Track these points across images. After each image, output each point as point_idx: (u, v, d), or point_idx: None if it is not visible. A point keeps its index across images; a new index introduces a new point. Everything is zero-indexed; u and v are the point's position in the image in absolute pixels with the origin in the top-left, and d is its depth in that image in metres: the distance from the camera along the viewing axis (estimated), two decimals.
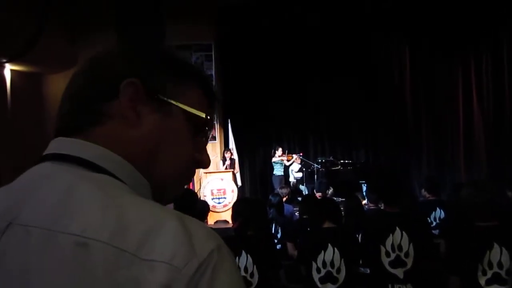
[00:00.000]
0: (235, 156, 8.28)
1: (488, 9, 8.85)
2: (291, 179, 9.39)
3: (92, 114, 0.57)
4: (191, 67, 0.65)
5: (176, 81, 0.61)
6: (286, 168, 9.22)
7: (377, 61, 10.16)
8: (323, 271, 2.63)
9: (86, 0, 7.97)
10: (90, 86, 0.59)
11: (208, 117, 0.63)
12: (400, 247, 2.52)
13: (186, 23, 8.13)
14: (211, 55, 8.36)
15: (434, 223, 4.38)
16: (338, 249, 2.61)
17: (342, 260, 2.60)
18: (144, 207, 0.49)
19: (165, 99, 0.59)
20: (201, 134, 0.63)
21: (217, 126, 8.44)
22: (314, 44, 9.92)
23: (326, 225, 2.77)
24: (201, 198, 7.30)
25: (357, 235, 2.99)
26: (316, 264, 2.64)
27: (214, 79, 8.40)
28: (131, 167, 0.56)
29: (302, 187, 9.20)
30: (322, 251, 2.63)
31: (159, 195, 0.60)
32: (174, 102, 0.59)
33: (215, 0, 8.08)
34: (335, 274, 2.61)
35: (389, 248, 2.54)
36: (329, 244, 2.63)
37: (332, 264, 2.61)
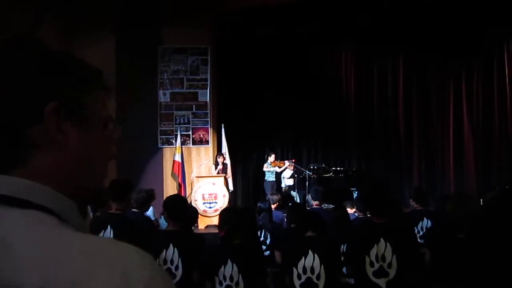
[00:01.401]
0: (228, 161, 8.30)
1: (480, 24, 9.01)
2: (283, 185, 9.42)
3: (15, 141, 0.54)
4: (91, 68, 0.64)
5: (87, 90, 0.61)
6: (278, 174, 9.25)
7: (371, 72, 10.28)
8: (303, 277, 2.66)
9: (83, 2, 7.97)
10: (8, 110, 0.54)
11: (114, 117, 0.64)
12: (383, 258, 2.57)
13: (183, 26, 8.17)
14: (207, 59, 8.39)
15: (421, 233, 4.44)
16: (318, 256, 2.65)
17: (322, 266, 2.64)
18: (72, 251, 0.47)
19: (85, 113, 0.59)
20: (111, 130, 0.65)
21: (210, 130, 8.47)
22: (309, 51, 10.01)
23: (309, 234, 2.82)
24: (193, 202, 7.31)
25: (342, 245, 3.03)
26: (297, 270, 2.68)
27: (209, 84, 8.44)
28: (57, 195, 0.54)
29: (293, 193, 9.23)
30: (303, 257, 2.67)
31: (91, 199, 0.62)
32: (91, 114, 0.60)
33: (212, 4, 8.12)
34: (315, 280, 2.65)
35: (373, 258, 2.58)
36: (310, 250, 2.67)
37: (312, 270, 2.65)
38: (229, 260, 2.64)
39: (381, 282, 2.57)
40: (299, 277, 2.69)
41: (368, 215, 4.33)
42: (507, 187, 6.72)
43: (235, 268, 2.63)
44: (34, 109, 0.54)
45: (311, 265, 2.66)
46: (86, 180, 0.59)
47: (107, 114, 0.64)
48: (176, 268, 2.85)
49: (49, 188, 0.54)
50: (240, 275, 2.62)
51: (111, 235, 3.16)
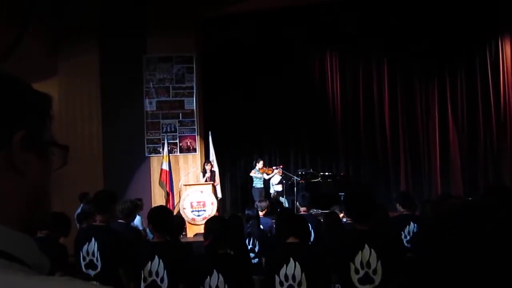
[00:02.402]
0: (216, 168, 8.29)
1: (462, 26, 9.18)
2: (271, 191, 9.42)
3: None
4: (43, 95, 0.64)
5: (44, 118, 0.61)
6: (266, 181, 9.25)
7: (357, 76, 10.39)
8: (285, 285, 2.66)
9: (68, 12, 7.93)
10: None
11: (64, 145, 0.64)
12: (368, 264, 2.58)
13: (168, 35, 8.18)
14: (193, 67, 8.39)
15: (408, 237, 4.48)
16: (299, 263, 2.65)
17: (303, 274, 2.63)
18: None
19: (44, 142, 0.60)
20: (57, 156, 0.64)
21: (197, 138, 8.45)
22: (295, 56, 10.10)
23: (290, 240, 2.81)
24: (181, 211, 7.28)
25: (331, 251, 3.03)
26: (279, 277, 2.67)
27: (195, 91, 8.44)
28: (8, 232, 0.52)
29: (282, 199, 9.24)
30: (285, 265, 2.66)
31: (38, 226, 0.61)
32: (46, 142, 0.60)
33: (197, 11, 8.14)
34: (296, 287, 2.65)
35: (358, 265, 2.59)
36: (291, 258, 2.66)
37: (293, 278, 2.64)
38: (214, 270, 2.62)
39: None
40: (281, 284, 2.69)
41: None
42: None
43: (221, 278, 2.61)
44: (2, 137, 0.54)
45: (292, 272, 2.65)
46: (39, 207, 0.59)
47: (55, 140, 0.63)
48: (162, 280, 2.83)
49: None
50: (226, 286, 2.60)
51: (95, 248, 3.13)
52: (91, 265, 3.13)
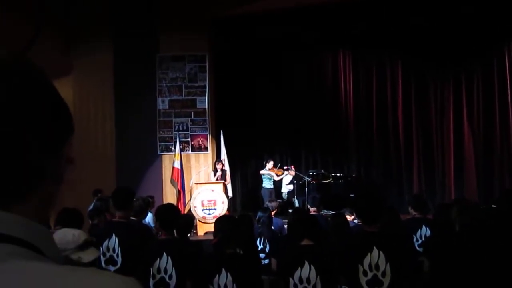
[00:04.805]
0: (227, 168, 8.30)
1: (479, 27, 8.99)
2: (283, 190, 9.40)
3: (29, 171, 0.53)
4: (71, 118, 0.64)
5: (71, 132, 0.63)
6: (276, 181, 9.21)
7: (370, 77, 10.28)
8: (299, 287, 2.65)
9: (82, 11, 8.03)
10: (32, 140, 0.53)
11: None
12: (377, 267, 2.55)
13: (181, 33, 8.23)
14: (205, 66, 8.43)
15: (420, 241, 4.41)
16: (314, 267, 2.64)
17: (318, 277, 2.62)
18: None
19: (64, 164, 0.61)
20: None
21: (209, 137, 8.48)
22: (308, 56, 10.05)
23: (305, 242, 2.80)
24: (192, 209, 7.31)
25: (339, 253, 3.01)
26: (294, 280, 2.67)
27: (207, 90, 8.47)
28: (30, 222, 0.53)
29: (294, 199, 9.21)
30: (299, 268, 2.65)
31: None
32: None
33: (210, 11, 8.17)
34: None
35: (366, 267, 2.56)
36: (306, 261, 2.66)
37: (308, 280, 2.63)
38: (223, 269, 2.63)
39: None
40: (295, 286, 2.68)
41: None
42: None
43: (229, 277, 2.61)
44: (54, 143, 0.56)
45: (307, 276, 2.65)
46: (49, 209, 0.60)
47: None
48: (170, 277, 2.84)
49: (20, 216, 0.52)
50: (234, 285, 2.60)
51: (116, 244, 3.15)
52: (111, 260, 3.16)
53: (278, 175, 9.05)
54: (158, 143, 8.43)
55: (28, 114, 0.52)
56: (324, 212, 6.95)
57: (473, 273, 2.64)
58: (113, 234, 3.17)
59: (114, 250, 3.14)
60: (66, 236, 0.98)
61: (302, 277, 2.65)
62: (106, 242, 3.16)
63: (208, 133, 8.46)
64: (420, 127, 10.10)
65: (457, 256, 2.80)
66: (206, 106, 8.43)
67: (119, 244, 3.14)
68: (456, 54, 9.59)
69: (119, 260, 3.14)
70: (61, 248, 0.91)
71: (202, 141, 8.44)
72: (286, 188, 9.38)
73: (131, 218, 3.97)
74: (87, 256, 0.96)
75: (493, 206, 4.82)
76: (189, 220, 3.75)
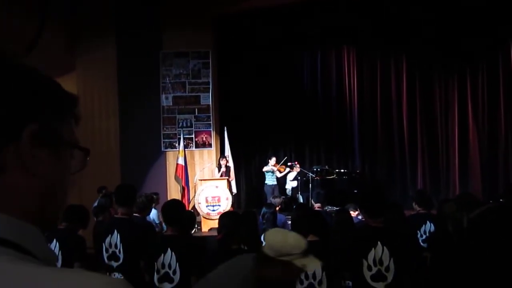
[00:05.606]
0: (231, 164, 8.31)
1: (484, 21, 8.93)
2: (287, 186, 9.40)
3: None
4: (68, 94, 0.62)
5: (64, 116, 0.59)
6: (280, 177, 9.21)
7: (374, 73, 10.24)
8: (305, 283, 2.65)
9: (86, 8, 8.04)
10: None
11: (85, 148, 0.62)
12: (381, 262, 2.55)
13: (184, 30, 8.23)
14: (209, 62, 8.43)
15: (424, 237, 4.41)
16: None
17: (324, 273, 2.63)
18: None
19: (60, 140, 0.57)
20: (77, 158, 0.62)
21: (213, 134, 8.49)
22: (312, 52, 10.02)
23: (310, 238, 2.80)
24: (196, 205, 7.34)
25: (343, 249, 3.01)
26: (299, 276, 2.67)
27: (211, 87, 8.47)
28: (16, 222, 0.51)
29: (298, 195, 9.20)
30: None
31: (46, 226, 0.58)
32: (65, 142, 0.58)
33: (213, 7, 8.16)
34: (317, 286, 2.64)
35: (370, 262, 2.57)
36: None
37: (314, 276, 2.64)
38: None
39: (380, 286, 2.55)
40: (301, 282, 2.68)
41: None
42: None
43: None
44: (13, 128, 0.51)
45: (312, 271, 2.65)
46: (48, 207, 0.57)
47: (76, 141, 0.61)
48: (174, 272, 2.86)
49: (5, 215, 0.50)
50: None
51: (118, 240, 3.18)
52: (113, 256, 3.19)
53: (280, 172, 9.04)
54: (162, 140, 8.45)
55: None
56: (328, 208, 6.94)
57: (474, 270, 2.63)
58: (115, 231, 3.20)
59: (116, 246, 3.18)
60: (287, 238, 0.85)
61: (307, 273, 2.65)
62: (108, 238, 3.20)
63: (212, 129, 8.47)
64: (424, 123, 10.05)
65: (458, 252, 2.80)
66: (210, 103, 8.43)
67: (121, 241, 3.17)
68: (460, 49, 9.52)
69: (121, 256, 3.18)
70: (283, 252, 0.80)
71: (206, 137, 8.45)
72: (290, 185, 9.38)
73: (135, 214, 4.00)
74: (312, 264, 0.84)
75: (501, 200, 4.81)
76: (191, 216, 3.77)
